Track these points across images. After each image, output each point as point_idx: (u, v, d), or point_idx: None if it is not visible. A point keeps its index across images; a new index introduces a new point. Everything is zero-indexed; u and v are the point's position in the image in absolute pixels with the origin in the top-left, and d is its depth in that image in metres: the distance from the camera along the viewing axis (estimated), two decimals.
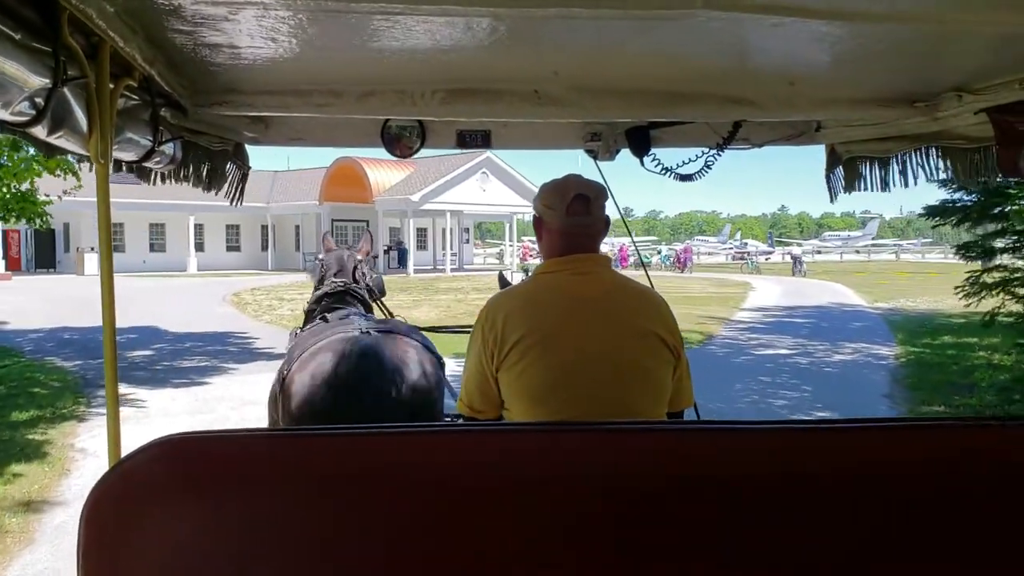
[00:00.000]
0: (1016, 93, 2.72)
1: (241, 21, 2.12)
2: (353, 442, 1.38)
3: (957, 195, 11.70)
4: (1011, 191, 10.27)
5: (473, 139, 3.76)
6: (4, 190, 11.57)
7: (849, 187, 3.82)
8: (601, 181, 2.66)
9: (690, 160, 3.86)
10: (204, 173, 3.56)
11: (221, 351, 16.04)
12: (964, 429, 1.52)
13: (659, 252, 63.54)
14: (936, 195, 15.40)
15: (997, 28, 2.20)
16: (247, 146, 3.87)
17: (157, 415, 10.21)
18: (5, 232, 41.36)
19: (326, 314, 4.59)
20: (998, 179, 3.44)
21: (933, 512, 1.31)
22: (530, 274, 2.68)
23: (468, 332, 2.61)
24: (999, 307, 11.76)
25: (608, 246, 60.42)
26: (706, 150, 3.81)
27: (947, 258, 71.67)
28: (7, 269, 39.89)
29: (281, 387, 3.99)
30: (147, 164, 2.96)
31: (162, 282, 36.08)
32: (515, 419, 2.38)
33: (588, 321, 2.38)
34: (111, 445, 2.32)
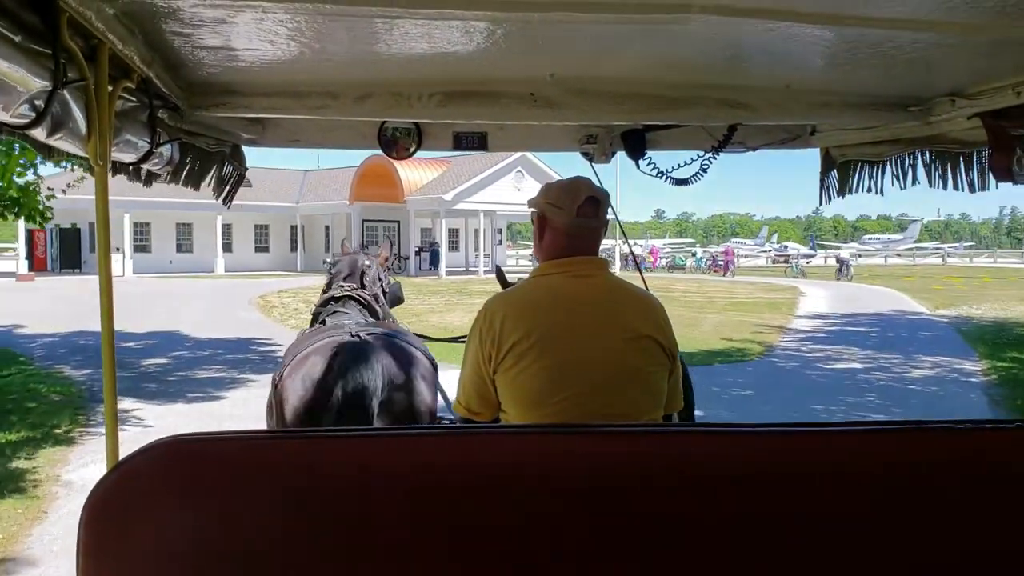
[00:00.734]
0: (1009, 98, 2.71)
1: (239, 23, 2.14)
2: (353, 444, 1.38)
3: None
4: None
5: (469, 141, 3.76)
6: None
7: (843, 190, 3.85)
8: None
9: (685, 163, 3.86)
10: (201, 175, 3.57)
11: (242, 360, 14.88)
12: (967, 431, 1.40)
13: (694, 255, 61.80)
14: (974, 200, 13.92)
15: (990, 33, 2.19)
16: (244, 148, 3.86)
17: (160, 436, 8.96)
18: (31, 232, 40.90)
19: (326, 318, 4.63)
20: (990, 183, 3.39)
21: (934, 512, 1.29)
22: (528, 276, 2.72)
23: (464, 342, 2.63)
24: None
25: (639, 248, 59.52)
26: (701, 153, 3.81)
27: (996, 262, 70.06)
28: (31, 269, 39.29)
29: (273, 392, 4.02)
30: (145, 166, 2.98)
31: (188, 283, 35.30)
32: (512, 421, 2.40)
33: (586, 324, 2.38)
34: (109, 447, 2.30)
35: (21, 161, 10.12)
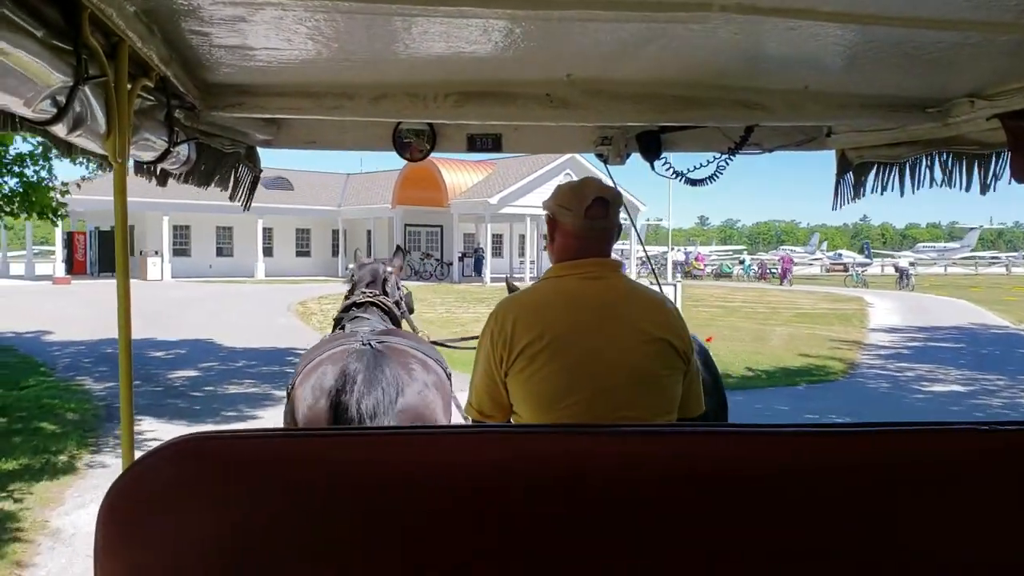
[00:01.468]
0: None
1: (258, 22, 2.14)
2: (370, 442, 1.38)
3: None
4: None
5: (484, 143, 3.75)
6: None
7: (858, 193, 3.82)
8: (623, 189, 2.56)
9: (701, 165, 3.84)
10: (217, 176, 3.57)
11: (277, 373, 13.66)
12: (971, 432, 1.38)
13: (741, 262, 59.77)
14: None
15: (1012, 33, 2.18)
16: (260, 150, 3.85)
17: None
18: (71, 235, 40.40)
19: (347, 323, 4.71)
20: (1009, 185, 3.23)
21: (935, 513, 1.28)
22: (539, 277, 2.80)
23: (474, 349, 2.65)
24: None
25: (682, 254, 57.70)
26: (717, 155, 3.78)
27: None
28: (69, 272, 38.59)
29: (288, 398, 4.14)
30: (163, 165, 3.03)
31: (226, 288, 34.39)
32: (525, 423, 2.42)
33: (599, 326, 2.36)
34: (125, 447, 2.33)
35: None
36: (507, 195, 40.57)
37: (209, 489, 1.23)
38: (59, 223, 10.88)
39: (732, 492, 1.26)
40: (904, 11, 2.01)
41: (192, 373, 13.67)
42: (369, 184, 48.01)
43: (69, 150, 2.36)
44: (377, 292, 4.93)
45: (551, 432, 1.57)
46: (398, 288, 5.16)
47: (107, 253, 40.61)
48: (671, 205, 41.54)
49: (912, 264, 56.13)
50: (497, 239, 48.49)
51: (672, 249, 47.86)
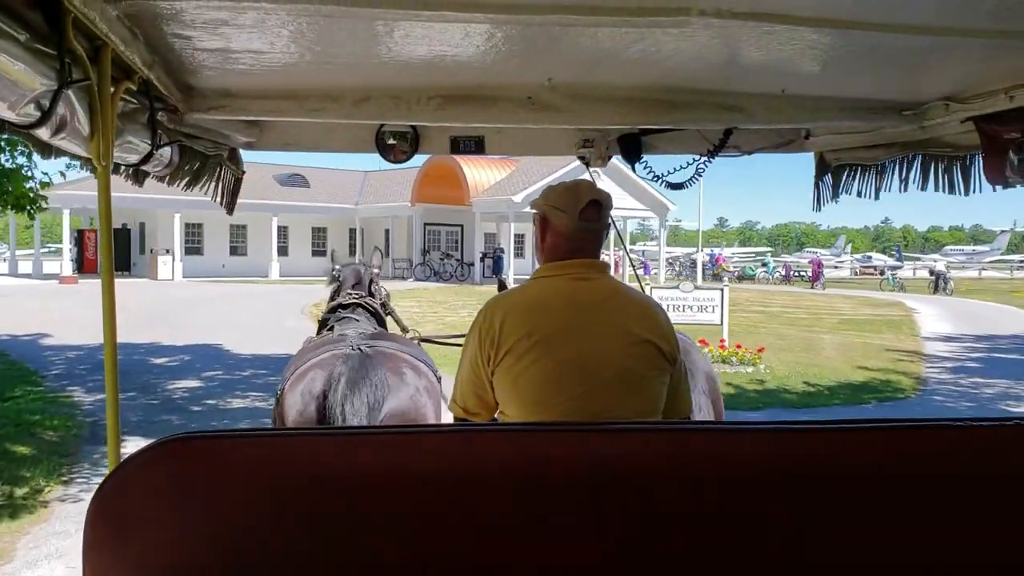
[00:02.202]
0: (1002, 102, 2.73)
1: (241, 25, 2.15)
2: (359, 442, 1.38)
3: None
4: None
5: (467, 145, 3.79)
6: None
7: (837, 194, 3.90)
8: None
9: (680, 168, 3.89)
10: (199, 178, 3.60)
11: None
12: (973, 429, 1.38)
13: (765, 264, 58.10)
14: None
15: (984, 38, 2.21)
16: (242, 151, 3.86)
17: None
18: (81, 232, 39.43)
19: (335, 324, 4.67)
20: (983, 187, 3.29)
21: (936, 513, 1.27)
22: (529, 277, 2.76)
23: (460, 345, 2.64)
24: None
25: (707, 256, 56.19)
26: (697, 157, 3.83)
27: None
28: (82, 271, 37.48)
29: (277, 403, 4.07)
30: (146, 167, 3.03)
31: (239, 288, 33.22)
32: (512, 422, 2.40)
33: (586, 326, 2.37)
34: (111, 447, 2.33)
35: None
36: (531, 193, 39.23)
37: (196, 489, 1.22)
38: (37, 217, 9.65)
39: (722, 488, 1.25)
40: (879, 16, 2.08)
41: (193, 383, 12.45)
42: (388, 181, 46.57)
43: (51, 152, 2.36)
44: (363, 293, 4.96)
45: (538, 430, 1.55)
46: (381, 289, 5.25)
47: (116, 252, 39.27)
48: (701, 205, 40.07)
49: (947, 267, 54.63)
50: (519, 239, 47.15)
51: (699, 251, 46.46)
